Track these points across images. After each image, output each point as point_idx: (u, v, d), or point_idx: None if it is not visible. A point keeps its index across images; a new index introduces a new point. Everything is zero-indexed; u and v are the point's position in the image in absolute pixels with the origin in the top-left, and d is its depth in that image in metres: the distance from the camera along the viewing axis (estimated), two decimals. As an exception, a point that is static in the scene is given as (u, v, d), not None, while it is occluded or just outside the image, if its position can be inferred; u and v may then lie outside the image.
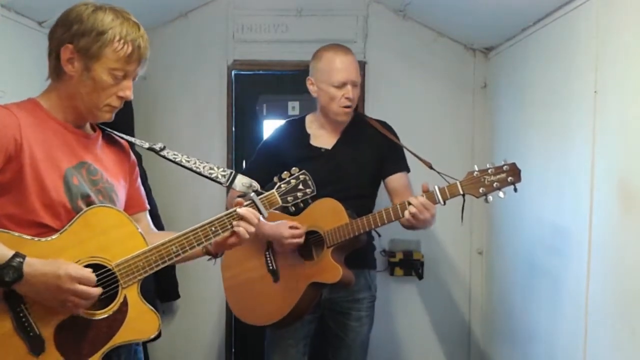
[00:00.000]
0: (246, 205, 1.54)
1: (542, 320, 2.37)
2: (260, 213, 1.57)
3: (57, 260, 1.32)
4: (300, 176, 1.64)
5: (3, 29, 2.17)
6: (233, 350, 3.30)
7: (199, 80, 3.17)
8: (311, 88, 2.26)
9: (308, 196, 1.64)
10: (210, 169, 1.59)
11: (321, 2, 3.13)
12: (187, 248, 1.48)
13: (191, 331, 3.23)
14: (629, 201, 1.73)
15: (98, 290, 1.34)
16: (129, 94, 1.44)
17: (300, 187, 1.63)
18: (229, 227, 1.52)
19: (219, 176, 1.59)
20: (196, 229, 1.49)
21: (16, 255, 1.27)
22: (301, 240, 2.10)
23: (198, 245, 1.50)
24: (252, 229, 1.53)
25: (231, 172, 1.59)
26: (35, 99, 1.45)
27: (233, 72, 3.20)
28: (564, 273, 2.17)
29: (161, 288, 3.02)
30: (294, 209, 1.65)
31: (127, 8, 1.46)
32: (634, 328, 1.69)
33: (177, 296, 3.13)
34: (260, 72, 3.26)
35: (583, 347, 1.97)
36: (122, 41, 1.38)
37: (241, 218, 1.52)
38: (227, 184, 1.58)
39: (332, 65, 2.18)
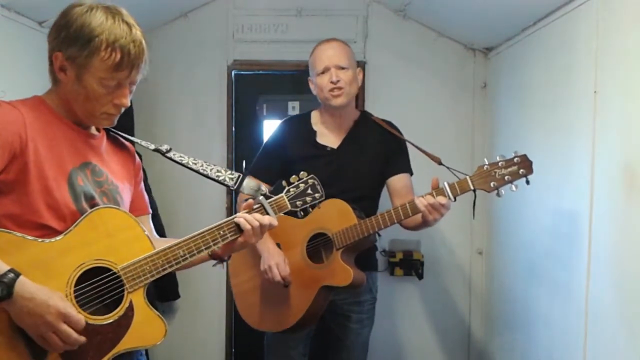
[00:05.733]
0: (255, 209, 1.52)
1: (542, 320, 2.37)
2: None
3: (52, 291, 1.26)
4: (309, 180, 1.61)
5: (3, 29, 2.17)
6: (233, 350, 3.30)
7: (199, 81, 3.17)
8: (311, 87, 2.27)
9: (317, 201, 1.61)
10: (218, 171, 1.56)
11: (321, 2, 3.13)
12: (195, 252, 1.44)
13: (191, 331, 3.23)
14: (629, 202, 1.73)
15: (81, 339, 1.28)
16: (125, 102, 1.37)
17: (309, 191, 1.60)
18: (238, 231, 1.48)
19: (227, 179, 1.56)
20: (204, 232, 1.46)
21: (10, 271, 1.20)
22: (279, 278, 2.06)
23: (206, 249, 1.46)
24: (259, 233, 1.49)
25: (239, 175, 1.57)
26: (41, 97, 1.40)
27: (233, 72, 3.20)
28: (564, 273, 2.17)
29: (161, 288, 3.02)
30: (302, 214, 1.61)
31: (126, 8, 1.39)
32: (633, 328, 1.69)
33: (177, 296, 3.13)
34: (260, 72, 3.25)
35: (583, 348, 1.97)
36: (109, 49, 1.29)
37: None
38: (235, 187, 1.56)
39: (315, 56, 2.21)
